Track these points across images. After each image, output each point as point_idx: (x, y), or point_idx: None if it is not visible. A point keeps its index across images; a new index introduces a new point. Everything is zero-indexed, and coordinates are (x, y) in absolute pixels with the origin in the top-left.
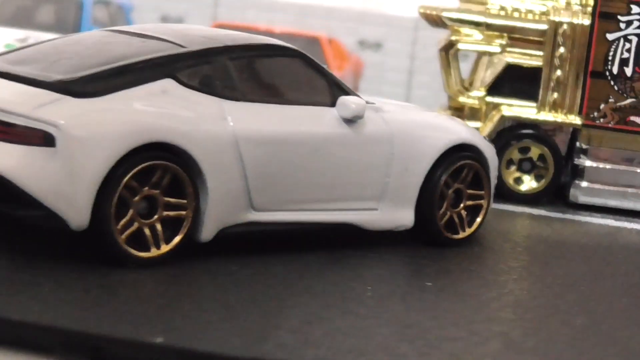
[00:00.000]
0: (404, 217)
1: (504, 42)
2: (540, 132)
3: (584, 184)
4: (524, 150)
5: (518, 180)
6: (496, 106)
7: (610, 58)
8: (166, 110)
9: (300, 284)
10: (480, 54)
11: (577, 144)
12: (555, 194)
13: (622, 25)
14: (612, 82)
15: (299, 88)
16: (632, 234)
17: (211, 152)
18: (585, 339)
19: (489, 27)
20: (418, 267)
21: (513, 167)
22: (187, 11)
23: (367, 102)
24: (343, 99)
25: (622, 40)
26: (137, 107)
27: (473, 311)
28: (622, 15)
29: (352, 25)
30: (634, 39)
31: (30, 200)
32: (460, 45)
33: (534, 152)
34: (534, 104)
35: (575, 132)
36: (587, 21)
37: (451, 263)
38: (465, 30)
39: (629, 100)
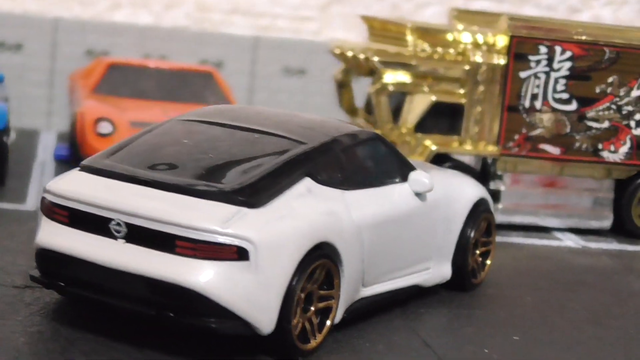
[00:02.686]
0: (446, 271)
1: (430, 82)
2: (460, 163)
3: (500, 206)
4: None
5: None
6: (422, 140)
7: (522, 94)
8: (319, 211)
9: (444, 340)
10: (405, 93)
11: (492, 170)
12: None
13: (533, 64)
14: (524, 115)
15: (382, 169)
16: (566, 253)
17: (348, 243)
18: None
19: (417, 69)
20: (482, 316)
21: None
22: (25, 37)
23: None
24: (416, 175)
25: (532, 78)
26: (300, 212)
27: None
28: (532, 55)
29: (192, 47)
30: (542, 76)
31: (223, 313)
32: (390, 88)
33: None
34: (455, 137)
35: (485, 160)
36: (502, 61)
37: (500, 307)
38: (390, 72)
39: (538, 131)
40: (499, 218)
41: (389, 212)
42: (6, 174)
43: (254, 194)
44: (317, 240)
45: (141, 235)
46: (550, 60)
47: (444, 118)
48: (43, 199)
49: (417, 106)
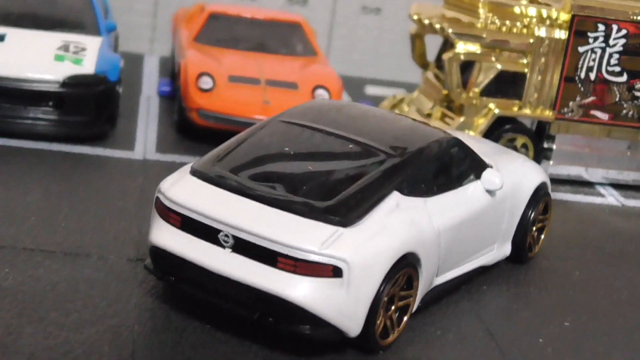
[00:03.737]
0: (507, 249)
1: (497, 52)
2: (520, 124)
3: (552, 162)
4: (510, 140)
5: None
6: (487, 103)
7: (579, 66)
8: (406, 225)
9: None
10: (474, 62)
11: (546, 131)
12: None
13: (591, 40)
14: (579, 85)
15: (459, 171)
16: (608, 214)
17: (428, 249)
18: None
19: (486, 41)
20: (537, 297)
21: None
22: None
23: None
24: (489, 175)
25: (589, 52)
26: (390, 228)
27: None
28: (591, 32)
29: None
30: (599, 51)
31: (317, 321)
32: (462, 57)
33: (519, 141)
34: (516, 101)
35: (541, 122)
36: (563, 36)
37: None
38: (462, 42)
39: (590, 98)
40: (550, 171)
41: (465, 212)
42: (117, 117)
43: (348, 213)
44: (403, 252)
45: (246, 248)
46: (607, 37)
47: (506, 84)
48: (157, 198)
49: (484, 73)
